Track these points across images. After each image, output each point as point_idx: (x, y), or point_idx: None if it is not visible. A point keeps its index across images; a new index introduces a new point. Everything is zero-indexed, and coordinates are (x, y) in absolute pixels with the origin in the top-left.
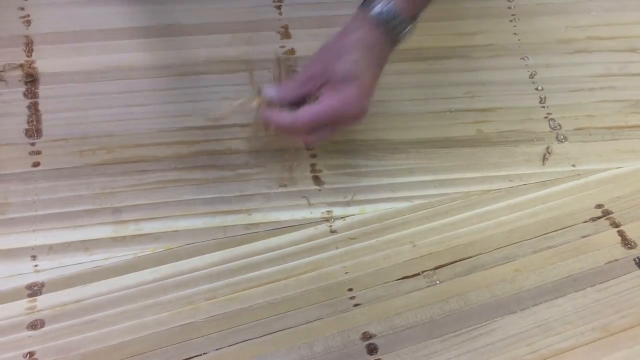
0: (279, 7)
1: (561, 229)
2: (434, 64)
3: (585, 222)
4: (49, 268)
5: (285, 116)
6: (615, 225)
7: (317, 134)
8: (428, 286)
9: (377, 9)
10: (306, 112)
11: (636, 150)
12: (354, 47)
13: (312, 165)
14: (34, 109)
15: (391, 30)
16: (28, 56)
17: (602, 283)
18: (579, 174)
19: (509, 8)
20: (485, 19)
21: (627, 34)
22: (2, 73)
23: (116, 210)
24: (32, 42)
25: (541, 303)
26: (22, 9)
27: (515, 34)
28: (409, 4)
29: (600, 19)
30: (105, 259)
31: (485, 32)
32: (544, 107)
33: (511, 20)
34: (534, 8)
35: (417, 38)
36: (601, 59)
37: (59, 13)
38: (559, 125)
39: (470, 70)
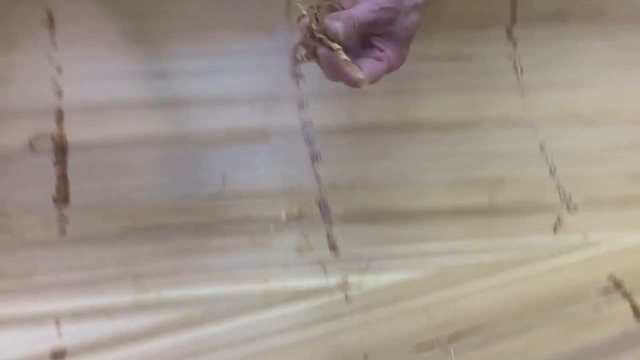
0: (297, 80)
1: (574, 300)
2: (445, 134)
3: (598, 293)
4: (72, 333)
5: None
6: (627, 296)
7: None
8: (443, 357)
9: None
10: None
11: None
12: None
13: (329, 232)
14: (62, 177)
15: None
16: (58, 126)
17: (615, 355)
18: (590, 245)
19: (519, 81)
20: (494, 91)
21: (634, 107)
22: (33, 142)
23: (138, 277)
24: (62, 113)
25: None
26: (55, 81)
27: (524, 105)
28: None
29: (608, 92)
30: (127, 324)
31: (495, 104)
32: (554, 178)
33: (520, 93)
34: (543, 81)
35: (428, 109)
36: (610, 131)
37: (90, 85)
38: (570, 195)
39: (481, 141)
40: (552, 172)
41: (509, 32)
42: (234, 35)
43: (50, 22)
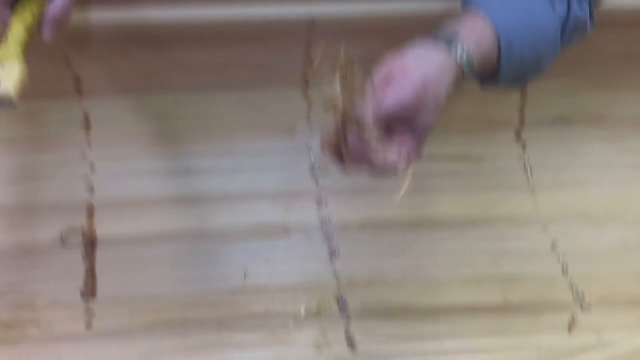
0: (316, 178)
1: None
2: (461, 232)
3: None
4: None
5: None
6: None
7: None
8: None
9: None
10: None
11: None
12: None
13: (347, 328)
14: (90, 271)
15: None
16: (89, 222)
17: None
18: (604, 345)
19: (528, 181)
20: (506, 190)
21: None
22: (64, 237)
23: None
24: (93, 208)
25: None
26: (87, 178)
27: (535, 205)
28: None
29: (615, 192)
30: None
31: (507, 203)
32: (566, 276)
33: (531, 192)
34: (552, 181)
35: (443, 207)
36: (618, 230)
37: (120, 182)
38: (583, 294)
39: (495, 239)
40: (564, 270)
41: (518, 135)
42: (256, 136)
43: (87, 124)
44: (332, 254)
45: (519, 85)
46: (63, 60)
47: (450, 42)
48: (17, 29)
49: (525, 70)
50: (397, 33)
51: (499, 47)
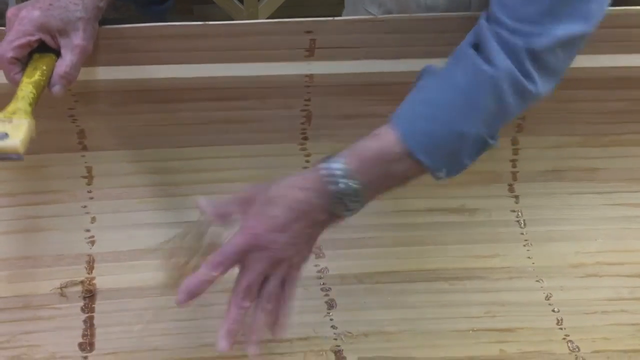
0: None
1: None
2: (455, 284)
3: None
4: None
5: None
6: None
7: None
8: None
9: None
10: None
11: None
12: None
13: None
14: (89, 323)
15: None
16: (89, 273)
17: None
18: None
19: (522, 234)
20: (500, 243)
21: (633, 260)
22: (64, 289)
23: None
24: (93, 261)
25: None
26: (88, 230)
27: (529, 257)
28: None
29: (608, 245)
30: None
31: (501, 255)
32: (561, 328)
33: (524, 245)
34: (545, 234)
35: (439, 260)
36: (611, 283)
37: (120, 234)
38: (577, 347)
39: (489, 291)
40: (559, 322)
41: (511, 188)
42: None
43: (89, 177)
44: (330, 305)
45: (473, 157)
46: (68, 115)
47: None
48: (27, 86)
49: (458, 148)
50: (394, 90)
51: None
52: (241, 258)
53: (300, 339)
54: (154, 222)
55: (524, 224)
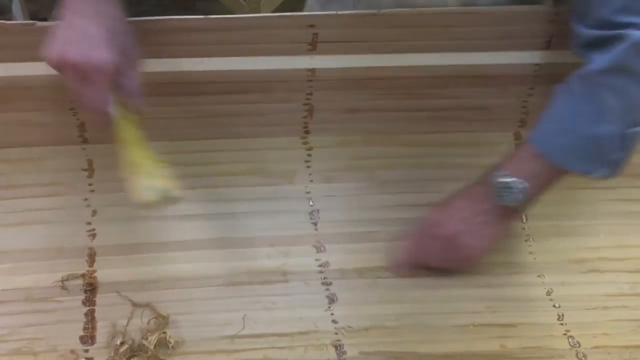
0: (315, 224)
1: None
2: (456, 279)
3: None
4: None
5: None
6: None
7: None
8: None
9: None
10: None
11: None
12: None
13: None
14: (90, 316)
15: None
16: (90, 266)
17: None
18: None
19: (523, 229)
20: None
21: (635, 255)
22: (65, 282)
23: None
24: (94, 254)
25: None
26: (89, 223)
27: (530, 252)
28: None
29: (609, 241)
30: None
31: (503, 251)
32: (562, 324)
33: (526, 240)
34: (547, 229)
35: None
36: (613, 278)
37: (121, 227)
38: (578, 343)
39: (490, 286)
40: (560, 318)
41: None
42: (257, 182)
43: (90, 170)
44: (331, 300)
45: (623, 152)
46: (69, 108)
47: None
48: (132, 136)
49: (598, 149)
50: (397, 84)
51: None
52: None
53: (301, 333)
54: (155, 215)
55: (526, 219)
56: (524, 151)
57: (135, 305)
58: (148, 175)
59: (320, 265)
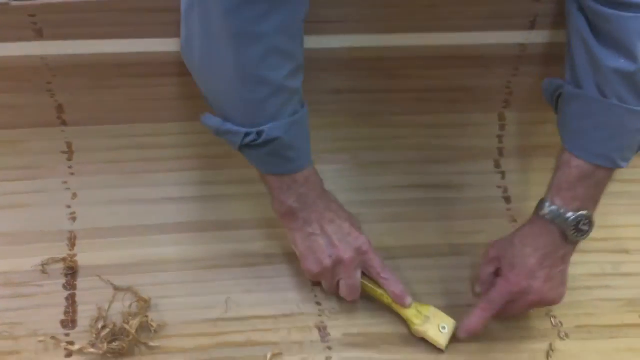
0: None
1: None
2: (440, 260)
3: None
4: None
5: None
6: None
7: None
8: None
9: (546, 209)
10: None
11: (634, 349)
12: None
13: (328, 357)
14: (71, 300)
15: (563, 227)
16: (70, 250)
17: None
18: None
19: (508, 210)
20: (485, 219)
21: (618, 236)
22: (45, 266)
23: None
24: (75, 237)
25: None
26: (69, 207)
27: None
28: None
29: None
30: None
31: (487, 232)
32: None
33: (510, 221)
34: (531, 210)
35: (423, 236)
36: (596, 259)
37: (102, 210)
38: (560, 322)
39: (473, 267)
40: None
41: (498, 164)
42: (238, 164)
43: (69, 153)
44: (314, 282)
45: None
46: (46, 90)
47: (563, 224)
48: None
49: None
50: (385, 65)
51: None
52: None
53: (285, 315)
54: (136, 198)
55: (510, 200)
56: (571, 172)
57: (116, 289)
58: (430, 321)
59: None
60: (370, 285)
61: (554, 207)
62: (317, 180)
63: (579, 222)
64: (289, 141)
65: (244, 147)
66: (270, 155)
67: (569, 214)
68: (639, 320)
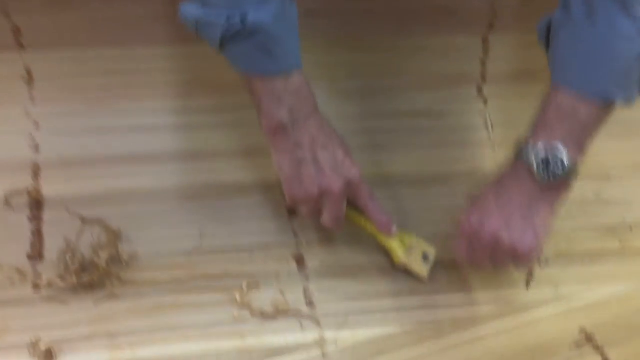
0: None
1: (546, 355)
2: (420, 189)
3: (570, 348)
4: None
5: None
6: (599, 351)
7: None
8: None
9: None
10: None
11: (615, 274)
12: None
13: (305, 287)
14: (37, 233)
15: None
16: (35, 182)
17: None
18: (561, 298)
19: (490, 138)
20: (466, 147)
21: (600, 162)
22: (8, 198)
23: (112, 335)
24: (39, 168)
25: None
26: (32, 136)
27: (496, 161)
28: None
29: None
30: None
31: (468, 160)
32: None
33: (492, 149)
34: (513, 137)
35: (402, 164)
36: (577, 185)
37: (67, 140)
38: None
39: (455, 196)
40: None
41: (480, 90)
42: (210, 92)
43: (29, 79)
44: (291, 212)
45: None
46: (1, 11)
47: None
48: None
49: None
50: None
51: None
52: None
53: (261, 246)
54: (102, 127)
55: (492, 128)
56: (551, 108)
57: (84, 221)
58: (413, 251)
59: (279, 177)
60: (354, 214)
61: (526, 145)
62: (309, 95)
63: (549, 161)
64: (276, 33)
65: (226, 41)
66: (255, 50)
67: (539, 151)
68: (619, 246)
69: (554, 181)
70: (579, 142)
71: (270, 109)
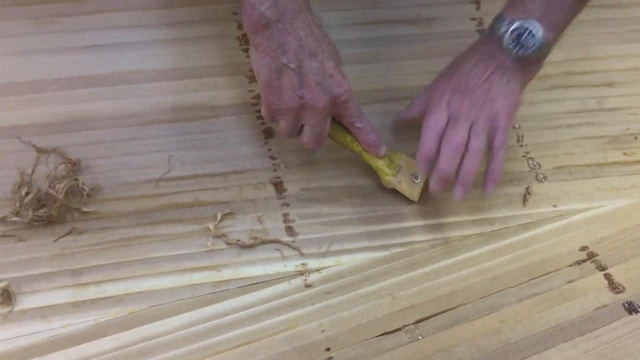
0: (246, 50)
1: (546, 274)
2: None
3: (570, 265)
4: (3, 339)
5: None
6: (601, 268)
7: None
8: (410, 342)
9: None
10: None
11: (617, 188)
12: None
13: (285, 215)
14: None
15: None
16: None
17: (591, 332)
18: (560, 215)
19: None
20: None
21: (603, 68)
22: None
23: (76, 272)
24: None
25: (530, 356)
26: None
27: None
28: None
29: (576, 53)
30: (64, 326)
31: None
32: (522, 145)
33: None
34: None
35: (390, 78)
36: (578, 94)
37: (13, 62)
38: (538, 164)
39: None
40: (520, 139)
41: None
42: (175, 4)
43: None
44: (268, 134)
45: None
46: None
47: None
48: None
49: None
50: None
51: None
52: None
53: (236, 172)
54: (53, 47)
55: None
56: None
57: (39, 151)
58: (402, 170)
59: (254, 97)
60: (339, 131)
61: (501, 18)
62: None
63: (521, 34)
64: None
65: None
66: None
67: (512, 24)
68: (623, 158)
69: (523, 55)
70: (554, 20)
71: (252, 0)
